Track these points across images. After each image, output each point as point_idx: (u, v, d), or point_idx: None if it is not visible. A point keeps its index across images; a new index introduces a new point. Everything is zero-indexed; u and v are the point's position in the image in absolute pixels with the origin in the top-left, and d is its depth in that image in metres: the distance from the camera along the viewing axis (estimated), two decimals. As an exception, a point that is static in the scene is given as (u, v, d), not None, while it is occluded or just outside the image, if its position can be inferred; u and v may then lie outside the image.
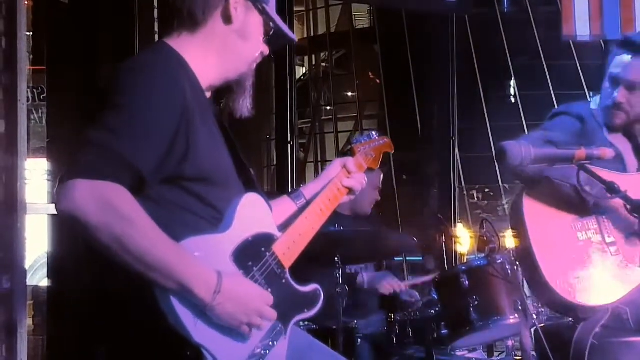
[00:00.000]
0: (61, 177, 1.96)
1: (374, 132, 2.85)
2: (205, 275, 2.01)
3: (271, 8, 2.40)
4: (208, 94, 2.33)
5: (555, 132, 3.26)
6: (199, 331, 1.98)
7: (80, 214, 1.91)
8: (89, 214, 1.92)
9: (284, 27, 2.45)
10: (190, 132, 2.12)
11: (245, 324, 2.08)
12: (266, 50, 2.41)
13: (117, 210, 1.94)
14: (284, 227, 2.34)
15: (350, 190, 2.63)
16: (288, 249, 2.27)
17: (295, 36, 2.55)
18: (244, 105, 2.39)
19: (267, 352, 2.15)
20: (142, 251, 1.95)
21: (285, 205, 2.55)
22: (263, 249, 2.20)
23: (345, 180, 2.60)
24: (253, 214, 2.22)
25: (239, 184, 2.30)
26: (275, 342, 2.18)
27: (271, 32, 2.40)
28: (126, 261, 1.95)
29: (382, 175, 4.82)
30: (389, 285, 4.52)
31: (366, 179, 2.69)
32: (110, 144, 1.98)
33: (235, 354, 2.08)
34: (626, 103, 3.31)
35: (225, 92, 2.39)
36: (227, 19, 2.31)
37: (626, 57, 3.31)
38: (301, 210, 2.48)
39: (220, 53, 2.31)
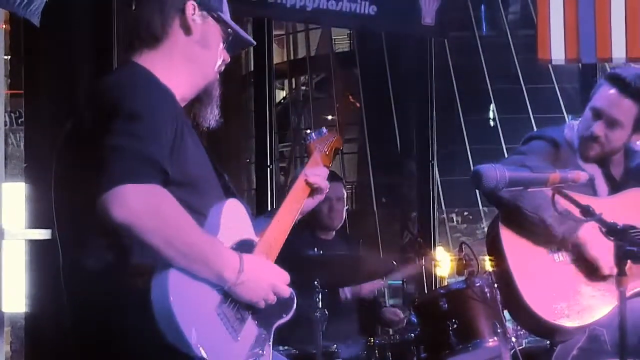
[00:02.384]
0: (101, 187, 1.97)
1: (324, 129, 2.90)
2: (231, 258, 2.11)
3: (225, 15, 2.44)
4: (182, 105, 2.36)
5: (530, 156, 3.29)
6: (199, 345, 1.99)
7: (136, 221, 1.95)
8: (144, 220, 1.96)
9: (242, 32, 2.49)
10: (180, 138, 2.17)
11: (262, 299, 2.17)
12: (227, 57, 2.46)
13: (166, 212, 2.01)
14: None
15: (316, 190, 2.64)
16: (266, 254, 2.31)
17: (252, 40, 2.60)
18: (212, 115, 2.44)
19: None
20: (187, 249, 2.02)
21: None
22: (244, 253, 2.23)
23: (310, 177, 2.63)
24: (235, 220, 2.26)
25: (219, 191, 2.34)
26: (263, 350, 2.23)
27: (230, 38, 2.44)
28: (171, 257, 1.99)
29: (344, 189, 4.85)
30: (369, 286, 4.55)
31: (326, 172, 2.72)
32: (138, 148, 2.02)
33: None
34: (603, 137, 3.35)
35: (194, 102, 2.42)
36: (187, 29, 2.34)
37: (612, 92, 3.33)
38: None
39: (185, 65, 2.34)
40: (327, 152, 2.83)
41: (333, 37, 27.38)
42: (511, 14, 25.45)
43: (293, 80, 28.72)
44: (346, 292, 4.53)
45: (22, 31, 5.21)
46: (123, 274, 2.08)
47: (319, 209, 4.58)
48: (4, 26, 4.65)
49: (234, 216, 2.25)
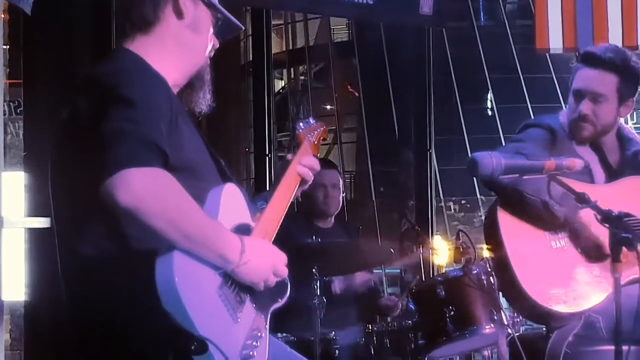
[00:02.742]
0: (104, 172, 1.97)
1: (312, 119, 2.93)
2: (232, 240, 2.13)
3: (215, 0, 2.45)
4: (175, 91, 2.37)
5: (526, 144, 3.31)
6: (201, 323, 2.01)
7: (141, 205, 1.96)
8: (148, 203, 1.97)
9: (231, 17, 2.49)
10: (176, 124, 2.18)
11: (263, 280, 2.19)
12: (216, 42, 2.47)
13: (170, 195, 2.02)
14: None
15: (302, 180, 2.68)
16: (262, 238, 2.32)
17: (241, 25, 2.59)
18: (205, 100, 2.46)
19: (257, 342, 2.20)
20: (191, 231, 2.02)
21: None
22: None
23: (298, 167, 2.65)
24: (233, 204, 2.27)
25: (216, 176, 2.35)
26: (261, 333, 2.24)
27: (219, 24, 2.45)
28: (175, 239, 2.00)
29: (339, 176, 4.88)
30: (362, 276, 4.56)
31: (318, 163, 2.75)
32: (138, 132, 2.02)
33: (232, 346, 2.11)
34: (592, 114, 3.38)
35: (186, 87, 2.44)
36: (179, 13, 2.35)
37: (588, 70, 3.37)
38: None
39: (176, 49, 2.35)
40: (316, 142, 2.87)
41: (332, 27, 27.36)
42: (509, 4, 25.44)
43: (292, 70, 28.70)
44: (336, 287, 4.54)
45: (21, 21, 5.22)
46: (122, 261, 2.09)
47: (315, 195, 4.62)
48: (2, 16, 4.66)
49: (232, 200, 2.26)
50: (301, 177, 2.67)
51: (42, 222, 4.37)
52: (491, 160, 2.69)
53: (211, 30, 2.44)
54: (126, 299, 2.07)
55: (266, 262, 2.21)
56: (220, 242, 2.09)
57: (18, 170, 6.23)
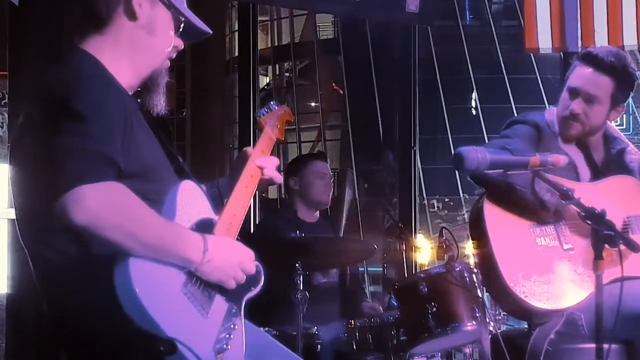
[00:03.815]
0: (57, 189, 1.95)
1: (272, 103, 2.89)
2: (194, 240, 2.12)
3: (180, 2, 2.40)
4: (130, 93, 2.35)
5: (512, 140, 3.32)
6: (167, 325, 2.00)
7: (96, 220, 1.95)
8: (104, 219, 1.96)
9: (195, 21, 2.45)
10: (131, 129, 2.16)
11: (231, 278, 2.19)
12: (180, 43, 2.43)
13: (125, 208, 2.01)
14: None
15: (268, 179, 2.65)
16: (227, 230, 2.31)
17: (208, 29, 2.52)
18: (159, 102, 2.41)
19: (231, 335, 2.19)
20: (149, 239, 2.02)
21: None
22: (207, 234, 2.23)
23: (260, 162, 2.62)
24: (191, 201, 2.25)
25: (173, 175, 2.34)
26: (235, 325, 2.23)
27: (182, 26, 2.41)
28: (134, 249, 2.00)
29: (327, 166, 4.92)
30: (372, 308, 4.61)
31: (277, 160, 2.70)
32: (89, 146, 2.01)
33: (203, 342, 2.11)
34: (583, 114, 3.39)
35: (141, 89, 2.40)
36: (131, 14, 2.30)
37: (587, 70, 3.38)
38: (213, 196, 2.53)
39: (130, 51, 2.31)
40: (279, 126, 2.83)
41: (317, 24, 27.39)
42: (494, 4, 25.55)
43: (277, 66, 28.70)
44: (319, 278, 4.56)
45: (6, 11, 5.20)
46: (85, 266, 2.08)
47: (315, 184, 4.68)
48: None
49: (189, 197, 2.24)
50: (271, 179, 2.65)
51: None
52: (476, 155, 2.70)
53: (171, 32, 2.38)
54: (92, 304, 2.06)
55: (231, 259, 2.20)
56: (181, 243, 2.09)
57: (1, 163, 6.21)
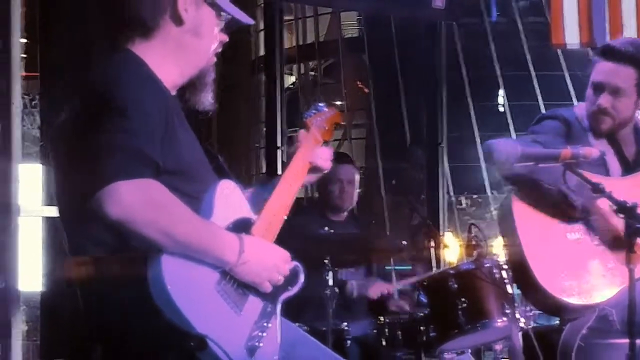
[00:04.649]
0: (94, 184, 1.99)
1: (321, 104, 2.86)
2: (230, 241, 2.14)
3: None
4: (173, 92, 2.37)
5: (541, 136, 3.32)
6: (199, 321, 2.03)
7: (131, 216, 1.98)
8: (139, 215, 1.99)
9: (238, 14, 2.46)
10: (172, 128, 2.19)
11: (267, 281, 2.21)
12: (225, 38, 2.45)
13: (161, 205, 2.03)
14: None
15: (316, 168, 2.65)
16: (266, 230, 2.32)
17: (251, 20, 2.53)
18: (206, 99, 2.44)
19: (264, 333, 2.21)
20: (184, 238, 2.05)
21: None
22: (244, 234, 2.24)
23: (309, 154, 2.63)
24: (229, 200, 2.26)
25: (212, 174, 2.35)
26: (268, 323, 2.24)
27: (226, 21, 2.43)
28: (168, 247, 2.03)
29: (356, 171, 4.88)
30: (377, 289, 4.55)
31: (331, 153, 2.71)
32: (128, 143, 2.04)
33: (235, 339, 2.13)
34: (610, 107, 3.38)
35: (187, 87, 2.42)
36: (178, 20, 2.32)
37: (608, 64, 3.38)
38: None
39: (177, 54, 2.33)
40: (327, 128, 2.80)
41: (342, 23, 27.35)
42: (521, 0, 25.39)
43: (302, 65, 28.70)
44: (353, 288, 4.55)
45: (37, 14, 5.26)
46: (122, 258, 2.11)
47: (330, 189, 4.64)
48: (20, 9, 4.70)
49: (227, 197, 2.26)
50: (319, 167, 2.65)
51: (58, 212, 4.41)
52: (507, 147, 2.70)
53: (216, 29, 2.41)
54: (126, 298, 2.09)
55: (267, 261, 2.21)
56: (217, 243, 2.11)
57: (32, 162, 6.28)
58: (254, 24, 2.60)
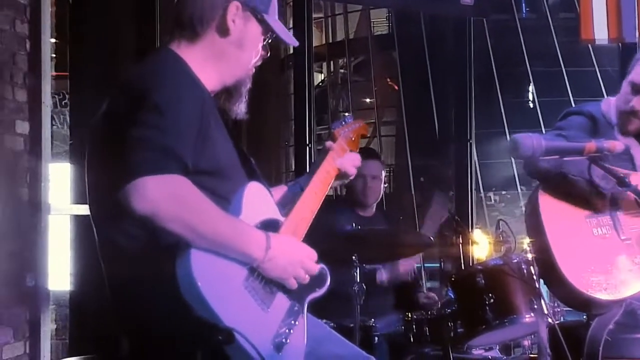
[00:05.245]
0: (123, 178, 2.02)
1: (347, 116, 2.94)
2: (256, 237, 2.17)
3: (272, 15, 2.45)
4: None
5: (567, 131, 3.31)
6: (227, 316, 2.05)
7: (157, 211, 2.01)
8: (164, 209, 2.02)
9: (284, 35, 2.50)
10: (207, 128, 2.21)
11: (293, 277, 2.23)
12: (266, 53, 2.49)
13: (186, 200, 2.06)
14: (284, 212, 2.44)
15: (344, 174, 2.72)
16: (293, 233, 2.35)
17: (295, 41, 2.61)
18: (239, 108, 2.48)
19: (291, 330, 2.24)
20: (210, 232, 2.07)
21: (282, 192, 2.65)
22: (270, 232, 2.27)
23: (337, 160, 2.70)
24: (258, 201, 2.30)
25: (243, 175, 2.38)
26: (296, 321, 2.27)
27: (271, 39, 2.47)
28: (194, 242, 2.05)
29: (381, 166, 4.86)
30: (405, 266, 4.55)
31: (359, 159, 2.78)
32: (159, 139, 2.07)
33: (262, 334, 2.15)
34: None
35: (221, 94, 2.46)
36: (225, 31, 2.37)
37: None
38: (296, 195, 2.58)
39: (217, 62, 2.38)
40: (354, 138, 2.87)
41: (372, 20, 27.32)
42: (551, -4, 25.22)
43: (331, 63, 28.71)
44: (383, 275, 4.56)
45: (67, 13, 5.32)
46: (152, 253, 2.13)
47: (354, 184, 4.63)
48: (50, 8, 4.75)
49: (256, 198, 2.29)
50: (345, 172, 2.72)
51: (87, 210, 4.46)
52: (532, 141, 2.69)
53: (261, 44, 2.46)
54: (155, 291, 2.11)
55: (293, 258, 2.24)
56: (244, 239, 2.14)
57: (61, 161, 6.36)
58: (298, 44, 2.65)
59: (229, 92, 2.45)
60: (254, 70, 2.49)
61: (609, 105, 3.48)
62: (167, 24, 2.45)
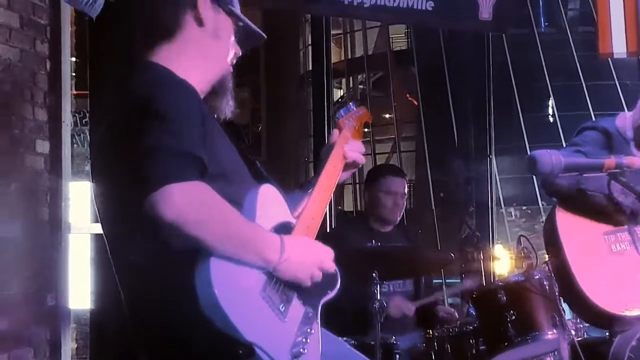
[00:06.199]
0: (147, 187, 2.01)
1: (351, 104, 2.93)
2: (271, 239, 2.17)
3: (236, 8, 2.48)
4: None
5: (583, 147, 3.30)
6: (247, 329, 2.04)
7: (184, 217, 2.00)
8: (191, 216, 2.01)
9: (252, 25, 2.52)
10: (210, 132, 2.22)
11: (309, 276, 2.22)
12: (239, 51, 2.50)
13: (210, 206, 2.06)
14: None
15: (353, 163, 2.71)
16: (306, 232, 2.35)
17: (262, 33, 2.59)
18: (227, 107, 2.48)
19: (307, 339, 2.22)
20: (232, 237, 2.07)
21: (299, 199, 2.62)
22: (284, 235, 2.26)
23: (348, 153, 2.68)
24: (271, 204, 2.30)
25: (251, 179, 2.38)
26: (311, 329, 2.25)
27: (241, 32, 2.49)
28: (216, 247, 2.05)
29: (406, 185, 4.85)
30: (397, 307, 4.47)
31: (362, 147, 2.77)
32: (176, 145, 2.07)
33: (281, 346, 2.14)
34: None
35: (208, 95, 2.45)
36: (199, 21, 2.39)
37: None
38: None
39: (199, 57, 2.38)
40: (357, 127, 2.86)
41: (390, 36, 27.36)
42: (570, 10, 25.17)
43: (350, 79, 28.75)
44: (392, 311, 4.47)
45: (87, 32, 5.35)
46: (168, 267, 2.12)
47: (383, 202, 4.62)
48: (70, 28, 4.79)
49: (269, 201, 2.29)
50: (354, 162, 2.70)
51: (105, 228, 4.47)
52: (550, 158, 2.68)
53: (232, 37, 2.47)
54: (173, 304, 2.11)
55: (308, 257, 2.24)
56: (261, 242, 2.13)
57: (82, 180, 6.37)
58: (265, 38, 2.64)
59: (215, 92, 2.45)
60: (232, 69, 2.49)
61: (624, 120, 3.47)
62: (141, 35, 2.43)
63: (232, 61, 2.49)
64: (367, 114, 2.97)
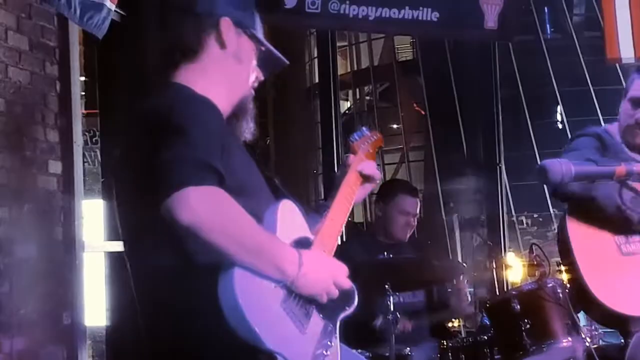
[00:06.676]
0: (163, 192, 2.03)
1: (365, 128, 2.99)
2: (289, 253, 2.17)
3: (258, 33, 2.50)
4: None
5: (580, 152, 3.35)
6: (269, 338, 2.05)
7: (200, 221, 2.02)
8: (208, 219, 2.02)
9: (274, 51, 2.55)
10: (228, 147, 2.23)
11: (324, 292, 2.23)
12: (260, 74, 2.53)
13: (227, 211, 2.07)
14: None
15: (368, 178, 2.78)
16: (323, 249, 2.37)
17: (285, 60, 2.63)
18: (248, 129, 2.50)
19: (327, 352, 2.24)
20: (250, 245, 2.08)
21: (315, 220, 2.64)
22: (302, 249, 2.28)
23: (365, 169, 2.76)
24: (290, 219, 2.31)
25: (269, 194, 2.40)
26: (331, 342, 2.27)
27: (262, 56, 2.51)
28: (235, 254, 2.05)
29: (417, 204, 4.86)
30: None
31: (375, 165, 2.85)
32: (193, 154, 2.09)
33: (301, 357, 2.16)
34: None
35: (229, 117, 2.47)
36: (221, 43, 2.41)
37: None
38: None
39: (222, 78, 2.41)
40: (371, 151, 2.92)
41: (396, 46, 27.40)
42: (575, 15, 25.18)
43: (357, 90, 28.79)
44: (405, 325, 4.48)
45: (95, 52, 5.38)
46: (189, 277, 2.14)
47: (396, 220, 4.63)
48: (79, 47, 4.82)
49: (288, 216, 2.30)
50: (370, 176, 2.77)
51: (121, 246, 4.49)
52: (560, 167, 2.70)
53: (254, 61, 2.50)
54: (196, 316, 2.11)
55: (325, 273, 2.25)
56: (278, 254, 2.14)
57: (94, 198, 6.40)
58: (288, 63, 2.67)
59: (236, 114, 2.48)
60: (253, 92, 2.52)
61: (614, 127, 3.54)
62: (164, 55, 2.46)
63: (254, 84, 2.52)
64: (381, 139, 3.03)
